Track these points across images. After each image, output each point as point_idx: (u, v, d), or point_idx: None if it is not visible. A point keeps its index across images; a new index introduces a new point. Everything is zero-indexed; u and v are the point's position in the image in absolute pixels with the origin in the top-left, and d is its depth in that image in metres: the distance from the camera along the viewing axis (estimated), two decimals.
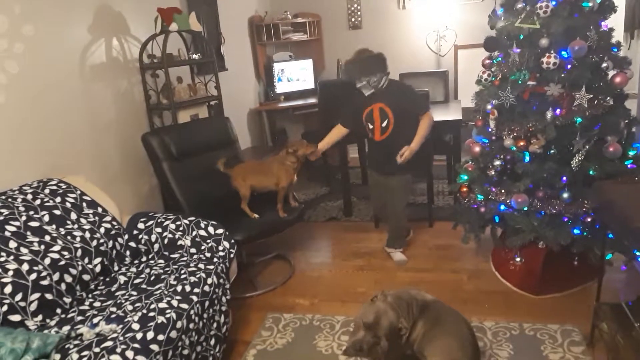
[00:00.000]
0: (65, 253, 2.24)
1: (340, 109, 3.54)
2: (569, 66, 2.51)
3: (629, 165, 2.58)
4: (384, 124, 3.21)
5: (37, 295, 2.04)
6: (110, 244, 2.52)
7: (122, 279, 2.41)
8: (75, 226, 2.42)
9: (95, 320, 2.02)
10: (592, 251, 2.66)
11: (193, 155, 3.29)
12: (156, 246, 2.65)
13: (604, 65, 2.56)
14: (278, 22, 5.48)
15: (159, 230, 2.66)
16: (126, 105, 3.40)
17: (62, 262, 2.20)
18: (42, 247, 2.19)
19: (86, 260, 2.34)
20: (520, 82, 2.61)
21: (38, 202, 2.38)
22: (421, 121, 3.20)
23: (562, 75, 2.49)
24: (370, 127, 3.28)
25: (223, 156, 3.32)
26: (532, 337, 2.47)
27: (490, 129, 2.81)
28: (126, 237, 2.65)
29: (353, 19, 5.78)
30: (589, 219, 2.60)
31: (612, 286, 2.81)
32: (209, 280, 2.34)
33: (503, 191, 2.75)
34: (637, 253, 2.52)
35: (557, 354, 2.34)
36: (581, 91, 2.46)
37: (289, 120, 5.77)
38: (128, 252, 2.63)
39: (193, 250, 2.60)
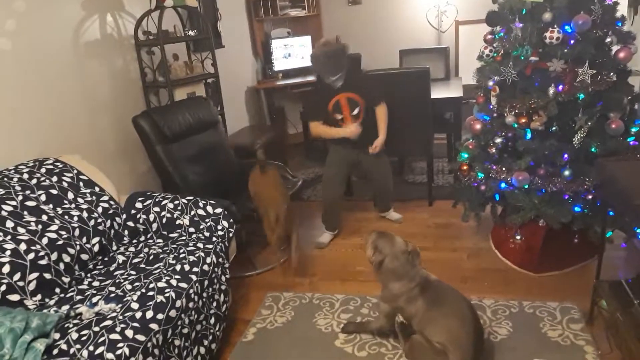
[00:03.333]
0: (62, 233, 2.22)
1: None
2: (572, 41, 2.46)
3: (631, 142, 2.55)
4: (355, 112, 3.21)
5: (35, 274, 2.03)
6: (108, 223, 2.51)
7: (120, 258, 2.40)
8: (73, 205, 2.40)
9: (94, 300, 2.02)
10: (593, 229, 2.65)
11: (183, 136, 3.25)
12: (154, 225, 2.64)
13: (608, 40, 2.51)
14: None
15: (157, 209, 2.65)
16: (122, 83, 3.35)
17: (60, 242, 2.19)
18: (40, 226, 2.17)
19: (84, 239, 2.33)
20: (522, 57, 2.56)
21: (34, 181, 2.36)
22: (379, 112, 3.29)
23: (565, 50, 2.44)
24: (339, 117, 3.23)
25: (262, 149, 3.03)
26: (531, 314, 2.48)
27: (491, 106, 2.77)
28: (124, 216, 2.64)
29: None
30: (590, 197, 2.58)
31: (612, 264, 2.81)
32: (208, 260, 2.34)
33: (504, 169, 2.73)
34: (638, 230, 2.50)
35: (556, 331, 2.34)
36: (584, 67, 2.42)
37: (287, 99, 5.71)
38: (126, 232, 2.62)
39: (192, 229, 2.59)
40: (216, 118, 3.55)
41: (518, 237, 2.93)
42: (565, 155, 2.54)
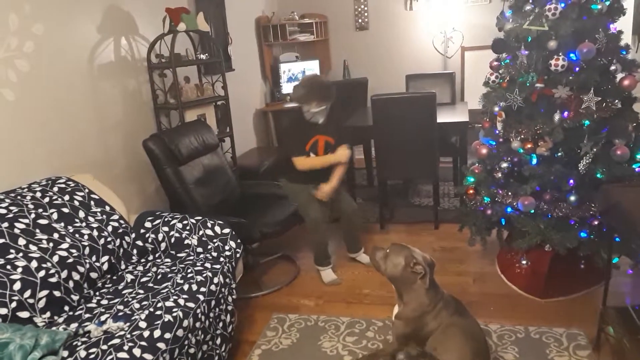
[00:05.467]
0: (73, 251, 2.25)
1: (290, 139, 3.35)
2: (577, 68, 2.50)
3: (636, 169, 2.57)
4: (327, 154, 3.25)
5: (45, 292, 2.05)
6: (118, 242, 2.54)
7: (129, 277, 2.42)
8: (83, 224, 2.44)
9: (102, 318, 2.04)
10: (599, 254, 2.65)
11: (191, 159, 3.28)
12: (163, 245, 2.67)
13: (613, 67, 2.55)
14: (285, 23, 5.49)
15: (165, 229, 2.67)
16: (134, 104, 3.42)
17: (70, 260, 2.21)
18: (51, 244, 2.20)
19: (94, 258, 2.35)
20: (528, 84, 2.61)
21: (47, 200, 2.40)
22: (341, 151, 3.23)
23: (570, 77, 2.49)
24: (313, 156, 3.24)
25: None
26: (537, 340, 2.47)
27: (497, 131, 2.80)
28: (133, 235, 2.67)
29: (360, 20, 5.80)
30: (595, 222, 2.59)
31: (619, 290, 2.80)
32: (215, 280, 2.35)
33: (510, 193, 2.75)
34: None
35: (563, 357, 2.33)
36: (589, 94, 2.46)
37: None
38: (135, 251, 2.65)
39: (199, 249, 2.61)
40: (217, 141, 3.59)
41: (524, 262, 2.93)
42: (571, 181, 2.56)
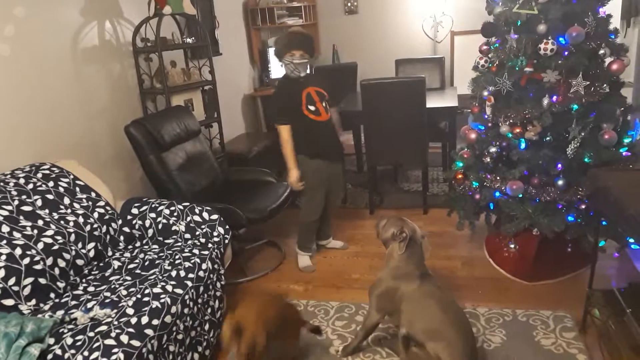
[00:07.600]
0: (58, 238, 2.22)
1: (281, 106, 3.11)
2: (566, 52, 2.49)
3: (624, 153, 2.58)
4: (324, 104, 3.09)
5: (30, 279, 2.03)
6: (104, 229, 2.51)
7: (116, 264, 2.40)
8: (69, 211, 2.40)
9: (89, 305, 2.02)
10: (586, 238, 2.68)
11: (173, 144, 3.22)
12: (150, 231, 2.64)
13: (601, 52, 2.55)
14: (273, 7, 5.42)
15: (153, 215, 2.65)
16: (119, 89, 3.36)
17: (56, 247, 2.18)
18: (35, 231, 2.17)
19: (80, 245, 2.32)
20: (517, 68, 2.60)
21: (31, 186, 2.36)
22: (335, 115, 3.26)
23: (559, 61, 2.48)
24: (313, 108, 3.03)
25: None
26: (524, 323, 2.50)
27: (486, 116, 2.80)
28: (120, 222, 2.64)
29: (349, 4, 5.74)
30: (583, 206, 2.61)
31: (605, 273, 2.84)
32: (204, 266, 2.34)
33: (498, 178, 2.75)
34: (630, 240, 2.53)
35: (549, 339, 2.36)
36: (578, 78, 2.45)
37: None
38: (122, 237, 2.62)
39: (187, 235, 2.59)
40: (199, 126, 3.53)
41: (512, 246, 2.95)
42: (559, 165, 2.57)
